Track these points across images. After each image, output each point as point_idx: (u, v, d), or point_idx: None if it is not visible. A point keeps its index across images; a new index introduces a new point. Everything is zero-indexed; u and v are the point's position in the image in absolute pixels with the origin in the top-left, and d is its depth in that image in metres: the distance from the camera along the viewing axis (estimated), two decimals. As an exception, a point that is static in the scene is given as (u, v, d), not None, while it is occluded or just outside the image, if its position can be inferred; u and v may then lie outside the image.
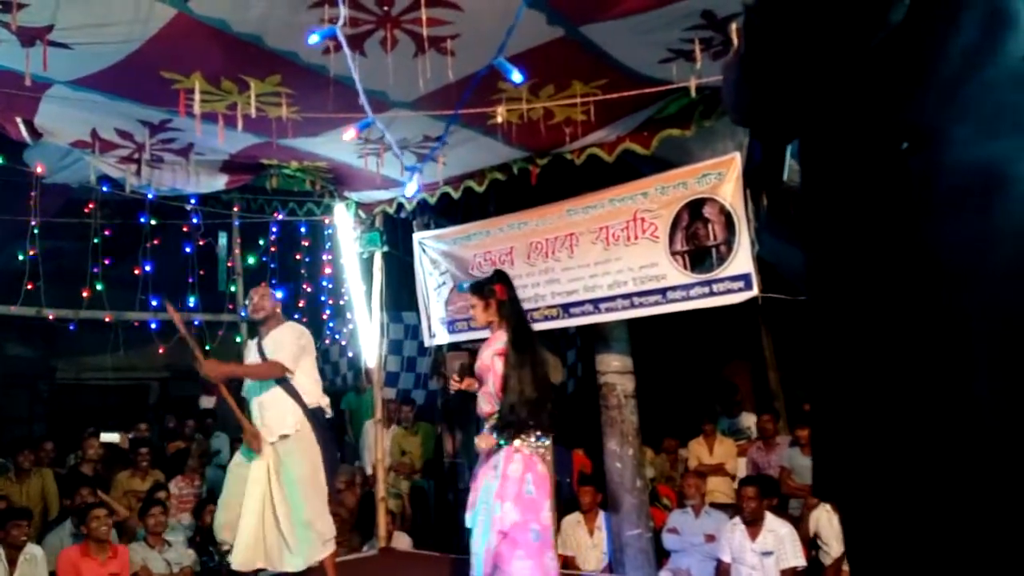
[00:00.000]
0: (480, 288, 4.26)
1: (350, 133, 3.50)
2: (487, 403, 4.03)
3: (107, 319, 6.16)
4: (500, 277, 4.27)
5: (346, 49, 2.52)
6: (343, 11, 2.60)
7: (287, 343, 4.54)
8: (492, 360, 4.03)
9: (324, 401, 4.70)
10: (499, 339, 4.08)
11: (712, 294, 4.66)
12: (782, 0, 0.96)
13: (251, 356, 4.67)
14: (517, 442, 3.90)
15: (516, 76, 3.06)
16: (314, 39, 2.79)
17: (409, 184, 3.24)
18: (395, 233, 6.73)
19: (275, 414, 4.48)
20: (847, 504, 0.99)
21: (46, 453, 6.94)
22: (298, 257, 7.44)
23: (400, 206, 6.26)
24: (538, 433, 3.94)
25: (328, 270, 7.38)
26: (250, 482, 4.40)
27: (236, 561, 4.34)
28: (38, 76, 3.73)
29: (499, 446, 3.93)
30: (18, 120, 4.41)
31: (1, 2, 3.24)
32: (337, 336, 8.15)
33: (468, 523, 4.03)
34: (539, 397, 3.97)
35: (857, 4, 0.92)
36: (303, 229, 7.19)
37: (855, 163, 0.96)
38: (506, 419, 3.89)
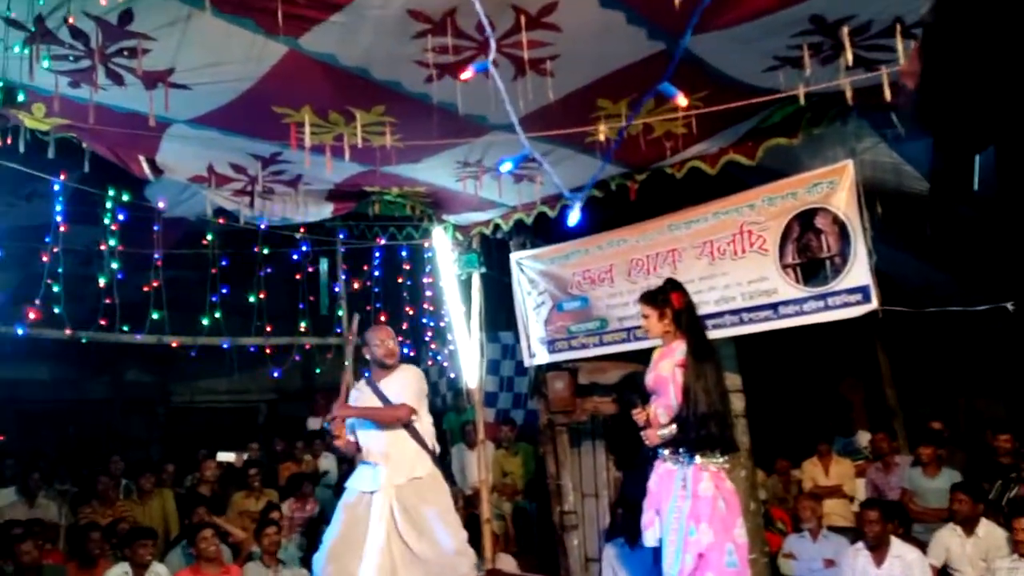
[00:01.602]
0: (654, 298, 4.13)
1: (507, 165, 3.55)
2: (664, 416, 3.92)
3: (224, 346, 6.43)
4: (675, 285, 4.15)
5: (498, 82, 2.54)
6: (493, 45, 2.63)
7: (412, 386, 4.56)
8: (672, 371, 3.92)
9: (435, 444, 4.70)
10: (677, 349, 3.96)
11: (827, 308, 4.46)
12: (962, 14, 0.90)
13: (365, 398, 4.63)
14: (700, 459, 3.80)
15: (681, 99, 3.04)
16: (468, 74, 2.87)
17: (572, 212, 3.23)
18: (491, 254, 6.77)
19: (403, 457, 4.48)
20: None
21: (168, 475, 7.27)
22: (399, 280, 7.59)
23: (497, 227, 6.29)
24: (720, 449, 3.84)
25: (428, 292, 7.50)
26: (373, 525, 4.37)
27: None
28: (160, 116, 3.93)
29: (679, 463, 3.85)
30: (141, 158, 4.66)
31: (128, 49, 3.44)
32: (438, 357, 8.25)
33: (648, 543, 3.97)
34: (724, 410, 3.87)
35: None
36: (404, 253, 7.33)
37: None
38: (692, 433, 3.79)
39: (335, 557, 4.42)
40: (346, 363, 4.84)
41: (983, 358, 5.34)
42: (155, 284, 5.73)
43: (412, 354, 7.79)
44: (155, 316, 5.92)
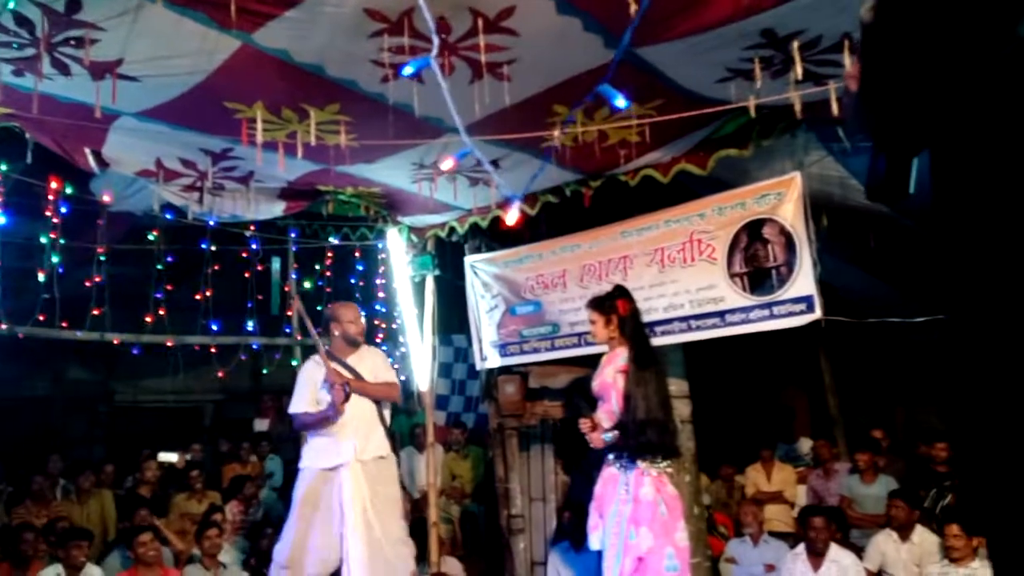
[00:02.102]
0: (601, 304, 4.21)
1: (448, 163, 3.53)
2: (607, 421, 3.98)
3: (169, 344, 6.29)
4: (621, 292, 4.23)
5: (440, 79, 2.53)
6: (435, 40, 2.62)
7: (389, 367, 4.63)
8: (614, 377, 3.99)
9: None
10: (620, 356, 4.04)
11: (773, 317, 4.56)
12: (901, 17, 0.93)
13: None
14: (641, 464, 3.85)
15: (620, 101, 3.06)
16: (408, 70, 2.84)
17: (511, 212, 3.24)
18: (445, 256, 6.76)
19: (372, 434, 4.52)
20: (999, 541, 0.94)
21: (107, 475, 7.09)
22: (352, 281, 7.53)
23: (452, 230, 6.27)
24: (661, 455, 3.89)
25: (381, 294, 7.46)
26: (347, 504, 4.35)
27: None
28: (107, 108, 3.83)
29: (622, 467, 3.89)
30: (87, 151, 4.54)
31: (74, 38, 3.35)
32: (390, 359, 8.20)
33: (593, 546, 4.01)
34: (665, 417, 3.93)
35: (981, 19, 0.88)
36: (357, 254, 7.28)
37: (992, 175, 0.92)
38: (632, 439, 3.84)
39: (299, 549, 4.36)
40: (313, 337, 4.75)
41: (922, 368, 5.53)
42: (97, 279, 5.57)
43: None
44: (97, 312, 5.77)
